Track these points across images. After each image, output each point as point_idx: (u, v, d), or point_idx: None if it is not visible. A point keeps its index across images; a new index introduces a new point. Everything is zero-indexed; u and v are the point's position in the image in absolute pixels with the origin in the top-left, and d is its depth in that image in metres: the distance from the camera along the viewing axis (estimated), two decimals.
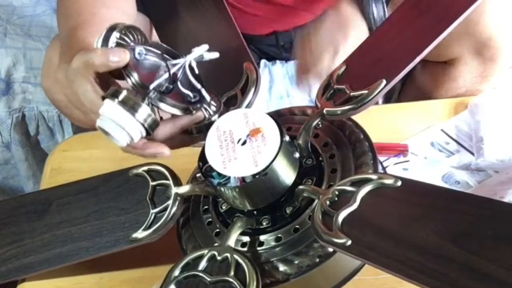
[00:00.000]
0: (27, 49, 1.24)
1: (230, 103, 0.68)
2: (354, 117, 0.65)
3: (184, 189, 0.66)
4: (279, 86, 1.06)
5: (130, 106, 0.56)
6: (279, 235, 0.60)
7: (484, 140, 0.83)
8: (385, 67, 0.64)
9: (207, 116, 0.61)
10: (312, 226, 0.56)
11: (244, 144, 0.58)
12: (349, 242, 0.51)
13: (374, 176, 0.56)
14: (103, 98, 0.57)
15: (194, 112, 0.60)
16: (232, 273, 0.55)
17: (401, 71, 0.61)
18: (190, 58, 0.59)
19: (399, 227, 0.52)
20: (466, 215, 0.50)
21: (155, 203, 0.66)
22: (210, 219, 0.65)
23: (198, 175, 0.69)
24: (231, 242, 0.58)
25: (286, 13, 1.03)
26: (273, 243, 0.60)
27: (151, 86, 0.57)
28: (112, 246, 0.66)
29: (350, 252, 0.51)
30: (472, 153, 0.85)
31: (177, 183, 0.66)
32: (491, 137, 0.83)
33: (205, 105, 0.60)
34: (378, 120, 0.86)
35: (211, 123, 0.61)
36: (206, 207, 0.67)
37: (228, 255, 0.56)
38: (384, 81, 0.61)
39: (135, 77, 0.58)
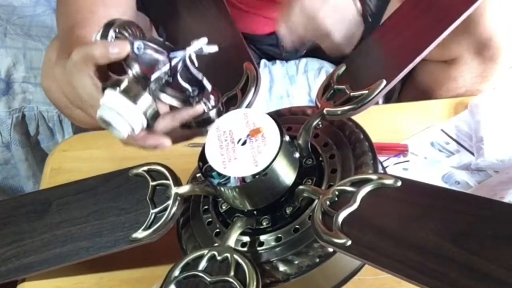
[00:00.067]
0: (27, 49, 1.24)
1: (230, 103, 0.68)
2: (354, 117, 0.65)
3: (184, 189, 0.66)
4: (279, 86, 1.06)
5: (132, 95, 0.56)
6: (279, 235, 0.60)
7: (484, 140, 0.83)
8: (385, 67, 0.64)
9: (206, 110, 0.61)
10: (312, 226, 0.56)
11: (244, 144, 0.58)
12: (349, 242, 0.51)
13: (374, 176, 0.56)
14: (104, 89, 0.57)
15: (194, 104, 0.60)
16: (232, 273, 0.55)
17: (401, 71, 0.61)
18: (190, 51, 0.59)
19: (399, 227, 0.52)
20: (466, 215, 0.50)
21: (155, 203, 0.66)
22: (210, 219, 0.65)
23: (198, 175, 0.69)
24: (231, 242, 0.58)
25: None
26: (273, 243, 0.60)
27: (153, 77, 0.57)
28: (112, 246, 0.66)
29: (350, 252, 0.51)
30: (472, 153, 0.85)
31: (177, 183, 0.66)
32: (491, 137, 0.83)
33: (204, 98, 0.60)
34: (378, 120, 0.86)
35: (211, 118, 0.61)
36: (206, 207, 0.67)
37: (228, 255, 0.56)
38: (384, 81, 0.61)
39: (136, 68, 0.57)
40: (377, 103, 0.74)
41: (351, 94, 0.63)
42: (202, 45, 0.59)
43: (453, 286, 0.45)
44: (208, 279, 0.55)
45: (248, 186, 0.58)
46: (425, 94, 1.00)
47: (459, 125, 0.89)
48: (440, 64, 0.97)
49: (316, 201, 0.58)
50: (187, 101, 0.59)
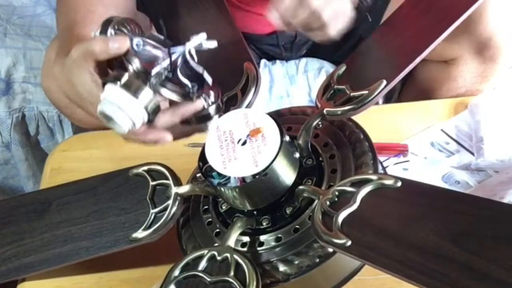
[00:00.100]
0: (27, 49, 1.24)
1: (230, 103, 0.68)
2: (354, 117, 0.65)
3: (184, 189, 0.66)
4: (279, 86, 1.06)
5: (133, 89, 0.55)
6: (279, 235, 0.60)
7: (484, 140, 0.83)
8: (385, 67, 0.64)
9: (206, 105, 0.61)
10: (312, 226, 0.56)
11: (244, 144, 0.58)
12: (349, 243, 0.51)
13: (374, 177, 0.56)
14: (104, 83, 0.56)
15: (194, 99, 0.60)
16: (232, 273, 0.55)
17: (401, 71, 0.61)
18: (189, 46, 0.58)
19: (399, 227, 0.52)
20: (466, 216, 0.50)
21: (155, 203, 0.66)
22: (210, 219, 0.65)
23: (198, 175, 0.69)
24: (231, 242, 0.58)
25: None
26: (273, 243, 0.60)
27: (153, 71, 0.56)
28: (112, 246, 0.66)
29: (350, 252, 0.51)
30: (472, 153, 0.85)
31: (177, 183, 0.66)
32: (491, 137, 0.83)
33: (204, 94, 0.60)
34: (378, 120, 0.86)
35: (210, 114, 0.61)
36: (206, 207, 0.67)
37: (228, 255, 0.56)
38: (384, 82, 0.61)
39: (136, 63, 0.57)
40: (377, 103, 0.74)
41: (351, 94, 0.63)
42: (201, 40, 0.59)
43: (453, 286, 0.45)
44: (208, 279, 0.55)
45: (248, 186, 0.58)
46: (425, 94, 1.01)
47: (459, 125, 0.89)
48: (440, 64, 0.97)
49: (316, 201, 0.58)
50: (187, 95, 0.59)
